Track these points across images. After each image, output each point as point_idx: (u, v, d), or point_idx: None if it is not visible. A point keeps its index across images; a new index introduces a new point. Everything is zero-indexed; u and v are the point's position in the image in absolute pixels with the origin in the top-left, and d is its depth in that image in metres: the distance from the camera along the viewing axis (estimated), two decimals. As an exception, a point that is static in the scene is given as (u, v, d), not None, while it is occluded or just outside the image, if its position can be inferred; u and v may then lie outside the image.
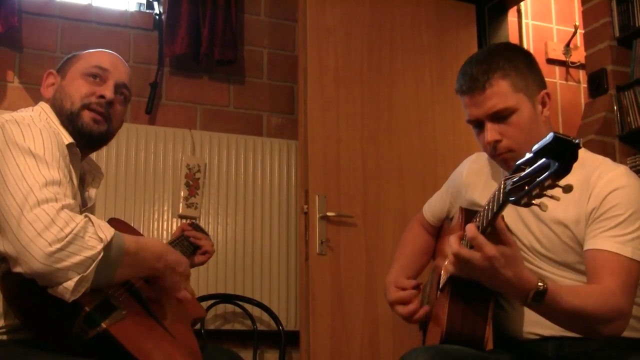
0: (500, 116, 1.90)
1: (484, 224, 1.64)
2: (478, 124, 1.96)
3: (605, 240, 1.80)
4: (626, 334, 1.82)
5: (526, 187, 1.41)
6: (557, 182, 1.36)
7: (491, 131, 1.91)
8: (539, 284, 1.65)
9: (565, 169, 1.34)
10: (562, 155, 1.33)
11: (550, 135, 1.34)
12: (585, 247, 1.84)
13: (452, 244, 1.66)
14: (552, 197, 1.40)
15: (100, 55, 2.06)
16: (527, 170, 1.42)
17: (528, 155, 1.42)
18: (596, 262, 1.80)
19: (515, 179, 1.45)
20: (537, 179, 1.38)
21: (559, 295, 1.68)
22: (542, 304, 1.67)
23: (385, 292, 2.21)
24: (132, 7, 4.03)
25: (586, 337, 1.84)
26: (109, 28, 3.83)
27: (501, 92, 1.90)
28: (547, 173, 1.35)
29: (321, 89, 3.65)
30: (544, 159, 1.36)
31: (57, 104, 1.97)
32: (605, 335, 1.75)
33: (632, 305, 1.79)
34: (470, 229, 1.62)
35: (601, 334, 1.76)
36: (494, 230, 1.65)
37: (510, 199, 1.47)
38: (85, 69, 2.00)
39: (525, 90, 1.93)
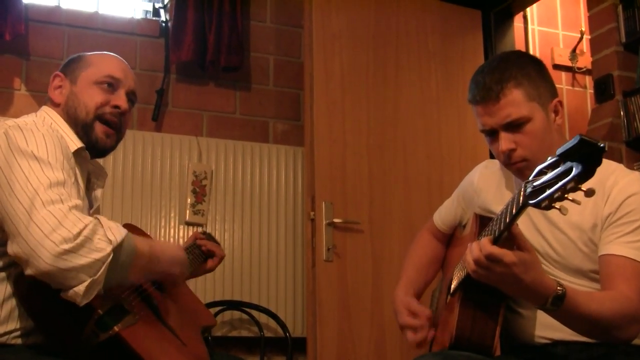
0: (514, 125, 1.90)
1: (501, 228, 1.63)
2: (491, 133, 1.95)
3: (620, 246, 1.80)
4: (635, 341, 1.82)
5: (548, 190, 1.40)
6: (579, 186, 1.36)
7: (505, 140, 1.91)
8: (558, 288, 1.65)
9: (589, 172, 1.34)
10: (586, 159, 1.33)
11: (576, 138, 1.33)
12: (600, 253, 1.84)
13: (473, 249, 1.64)
14: (573, 200, 1.40)
15: (111, 63, 2.06)
16: (549, 174, 1.41)
17: (551, 159, 1.42)
18: (611, 268, 1.80)
19: (536, 183, 1.45)
20: (560, 182, 1.37)
21: (576, 299, 1.68)
22: (561, 308, 1.66)
23: (395, 311, 2.19)
24: (139, 15, 4.04)
25: (598, 343, 1.83)
26: (115, 35, 3.84)
27: (515, 101, 1.89)
28: (570, 176, 1.34)
29: (327, 95, 3.66)
30: (567, 162, 1.36)
31: (70, 111, 1.97)
32: (620, 340, 1.75)
33: None
34: (484, 245, 1.61)
35: (616, 339, 1.75)
36: (510, 235, 1.65)
37: (531, 201, 1.46)
38: (97, 77, 2.01)
39: (538, 99, 1.92)
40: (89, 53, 2.10)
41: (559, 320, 1.75)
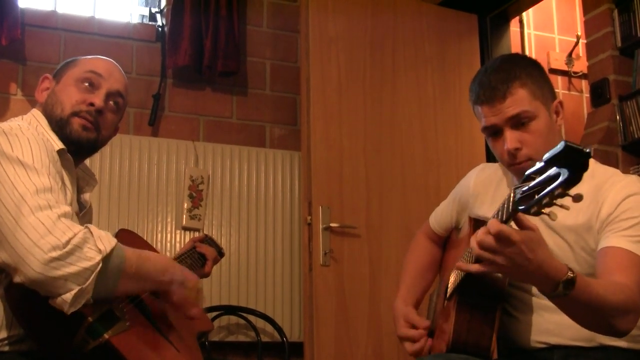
0: (521, 122, 1.91)
1: None
2: (495, 132, 1.95)
3: (618, 239, 1.79)
4: (631, 345, 1.83)
5: (536, 196, 1.40)
6: (567, 191, 1.35)
7: (511, 139, 1.91)
8: (569, 272, 1.61)
9: (575, 178, 1.33)
10: (573, 165, 1.33)
11: (561, 144, 1.33)
12: (598, 248, 1.82)
13: (478, 233, 1.60)
14: (561, 206, 1.39)
15: (96, 61, 2.03)
16: (537, 179, 1.41)
17: (538, 165, 1.42)
18: (608, 259, 1.78)
19: (524, 188, 1.45)
20: (547, 188, 1.37)
21: (586, 284, 1.64)
22: (571, 293, 1.61)
23: (395, 322, 2.19)
24: (135, 19, 4.04)
25: (595, 347, 1.84)
26: (111, 40, 3.83)
27: (520, 99, 1.90)
28: (557, 182, 1.34)
29: (324, 99, 3.66)
30: (554, 168, 1.36)
31: (48, 109, 1.95)
32: (618, 329, 1.71)
33: None
34: (493, 224, 1.55)
35: (616, 328, 1.71)
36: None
37: (520, 207, 1.45)
38: (79, 74, 1.97)
39: (542, 99, 1.94)
40: (84, 56, 2.08)
41: (563, 308, 1.71)
